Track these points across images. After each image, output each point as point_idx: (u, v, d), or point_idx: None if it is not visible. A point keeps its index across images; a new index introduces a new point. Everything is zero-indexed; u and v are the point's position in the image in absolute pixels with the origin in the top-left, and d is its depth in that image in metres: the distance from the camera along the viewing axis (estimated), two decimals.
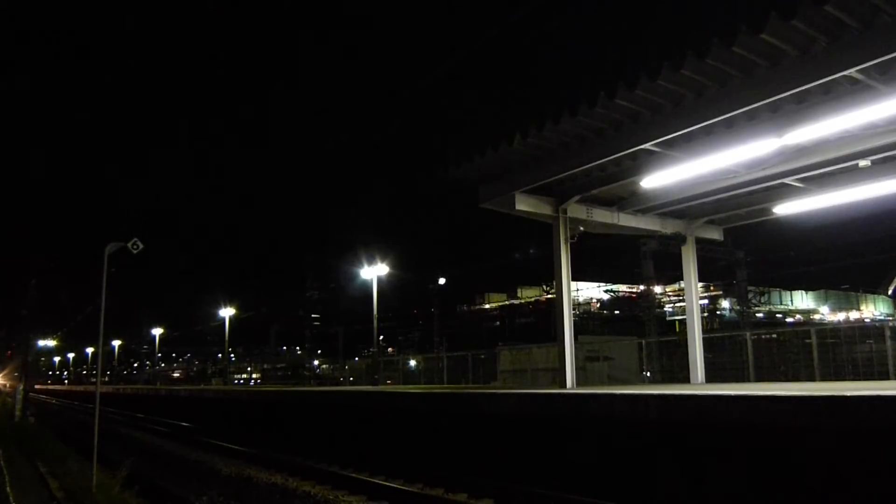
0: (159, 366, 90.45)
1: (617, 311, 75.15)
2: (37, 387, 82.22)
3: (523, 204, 13.23)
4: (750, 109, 9.32)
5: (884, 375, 13.74)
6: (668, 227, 15.54)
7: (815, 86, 8.54)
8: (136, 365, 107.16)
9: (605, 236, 16.29)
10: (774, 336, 20.42)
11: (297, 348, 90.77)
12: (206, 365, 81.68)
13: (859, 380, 13.76)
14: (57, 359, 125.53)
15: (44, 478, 11.99)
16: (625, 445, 8.95)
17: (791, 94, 8.81)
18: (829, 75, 8.17)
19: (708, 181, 12.22)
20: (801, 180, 12.26)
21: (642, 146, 10.74)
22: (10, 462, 13.57)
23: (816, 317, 71.17)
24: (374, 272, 30.97)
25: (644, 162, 11.66)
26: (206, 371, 76.62)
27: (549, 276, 61.94)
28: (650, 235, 24.70)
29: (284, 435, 18.48)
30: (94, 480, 9.97)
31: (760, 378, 15.82)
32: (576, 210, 13.83)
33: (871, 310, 75.62)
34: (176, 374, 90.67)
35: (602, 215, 14.33)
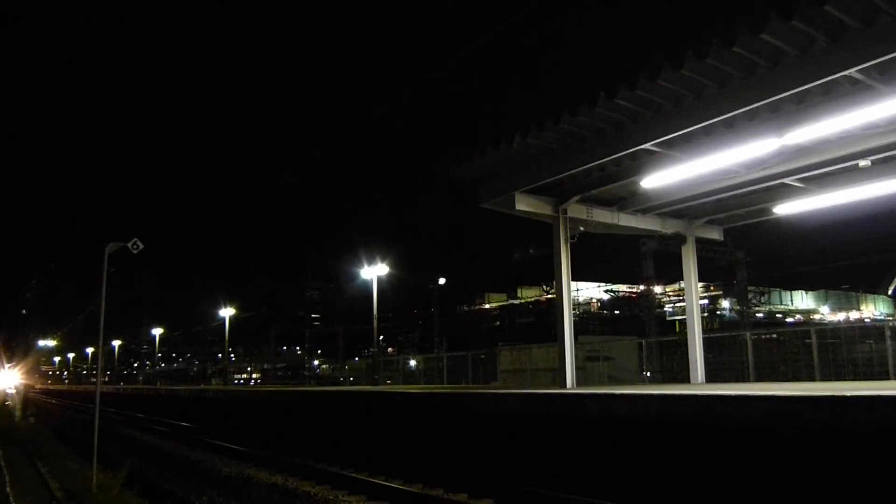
0: (160, 366, 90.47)
1: (617, 311, 75.16)
2: (37, 387, 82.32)
3: (523, 204, 13.24)
4: (750, 109, 9.33)
5: (884, 375, 13.73)
6: (668, 227, 15.54)
7: (815, 86, 8.54)
8: (136, 365, 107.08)
9: (605, 236, 16.29)
10: (774, 336, 20.44)
11: (297, 348, 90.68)
12: (205, 365, 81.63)
13: (859, 380, 13.76)
14: (57, 359, 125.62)
15: (44, 478, 12.00)
16: (625, 445, 8.95)
17: (791, 94, 8.81)
18: (829, 75, 8.17)
19: (708, 181, 12.22)
20: (801, 180, 12.26)
21: (642, 146, 10.75)
22: (10, 462, 13.57)
23: (816, 317, 71.19)
24: (374, 272, 31.01)
25: (644, 162, 11.66)
26: (206, 371, 76.57)
27: (549, 276, 62.01)
28: (650, 235, 24.73)
29: (284, 435, 18.48)
30: (95, 480, 9.97)
31: (760, 378, 15.81)
32: (576, 210, 13.83)
33: (871, 310, 75.64)
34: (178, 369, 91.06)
35: (602, 215, 14.33)
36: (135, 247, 10.78)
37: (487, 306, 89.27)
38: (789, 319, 68.57)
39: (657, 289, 56.76)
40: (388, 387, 28.08)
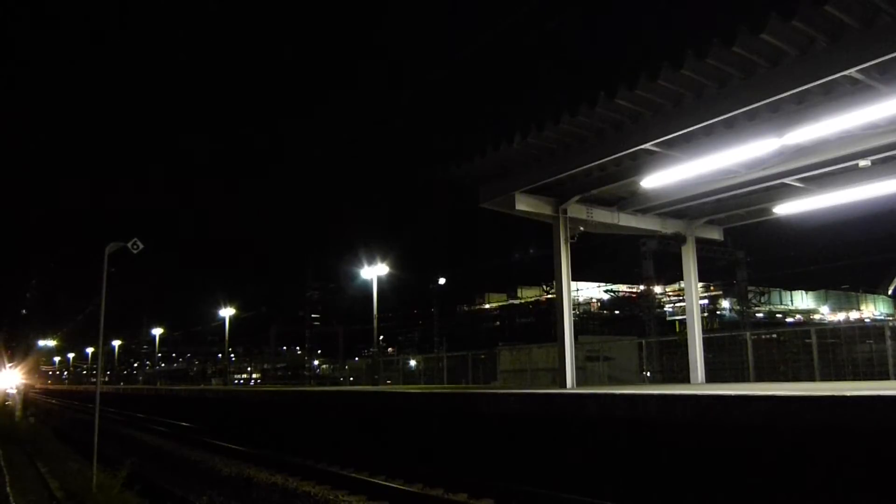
0: (160, 366, 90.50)
1: (617, 311, 75.12)
2: (37, 387, 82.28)
3: (523, 204, 13.24)
4: (750, 109, 9.33)
5: (884, 375, 13.74)
6: (668, 227, 15.54)
7: (815, 86, 8.55)
8: (136, 365, 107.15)
9: (605, 236, 16.30)
10: (774, 336, 20.45)
11: (297, 348, 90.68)
12: (205, 365, 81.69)
13: (859, 380, 13.76)
14: (57, 359, 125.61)
15: (44, 478, 12.00)
16: (625, 445, 8.95)
17: (791, 94, 8.81)
18: (829, 75, 8.17)
19: (708, 181, 12.22)
20: (801, 180, 12.26)
21: (642, 146, 10.75)
22: (10, 462, 13.58)
23: (816, 317, 71.11)
24: (374, 272, 30.99)
25: (644, 162, 11.66)
26: (206, 371, 76.61)
27: (549, 276, 62.01)
28: (650, 235, 24.73)
29: (284, 435, 18.48)
30: (95, 480, 9.96)
31: (760, 378, 15.82)
32: (576, 210, 13.83)
33: (871, 310, 75.58)
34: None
35: (602, 215, 14.33)
36: (135, 247, 10.77)
37: (487, 306, 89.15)
38: (789, 319, 68.50)
39: (657, 289, 56.71)
40: (388, 387, 28.07)
